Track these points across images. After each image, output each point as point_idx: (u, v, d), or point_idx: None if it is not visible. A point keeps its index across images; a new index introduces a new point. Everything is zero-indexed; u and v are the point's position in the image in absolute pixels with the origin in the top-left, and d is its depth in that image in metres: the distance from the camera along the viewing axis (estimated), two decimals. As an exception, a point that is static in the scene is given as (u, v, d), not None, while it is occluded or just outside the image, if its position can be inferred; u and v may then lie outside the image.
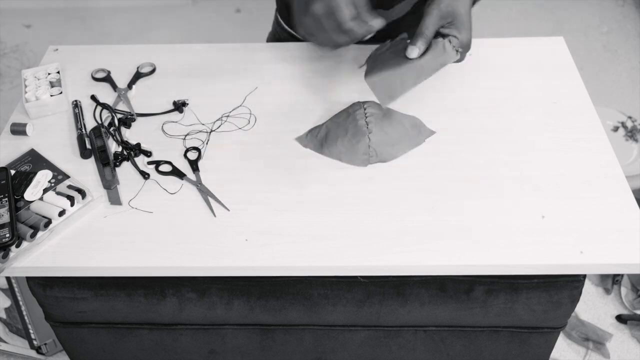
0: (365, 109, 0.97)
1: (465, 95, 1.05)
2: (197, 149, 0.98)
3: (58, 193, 0.90)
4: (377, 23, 0.87)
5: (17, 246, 0.84)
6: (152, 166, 0.96)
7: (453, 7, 0.90)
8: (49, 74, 1.10)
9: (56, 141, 1.01)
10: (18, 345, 1.53)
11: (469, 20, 0.92)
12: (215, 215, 0.88)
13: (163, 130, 1.02)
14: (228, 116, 1.04)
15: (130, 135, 1.02)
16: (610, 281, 1.68)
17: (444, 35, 0.92)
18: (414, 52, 0.90)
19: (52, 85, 1.07)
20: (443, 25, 0.91)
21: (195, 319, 0.99)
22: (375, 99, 0.96)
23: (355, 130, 0.95)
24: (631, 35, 2.57)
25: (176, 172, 0.95)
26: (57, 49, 1.19)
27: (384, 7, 1.10)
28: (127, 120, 1.03)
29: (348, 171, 0.94)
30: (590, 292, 1.67)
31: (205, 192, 0.91)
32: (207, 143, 1.00)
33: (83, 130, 1.01)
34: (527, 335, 1.01)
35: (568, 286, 0.92)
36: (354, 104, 0.99)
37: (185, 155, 0.97)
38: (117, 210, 0.90)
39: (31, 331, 1.52)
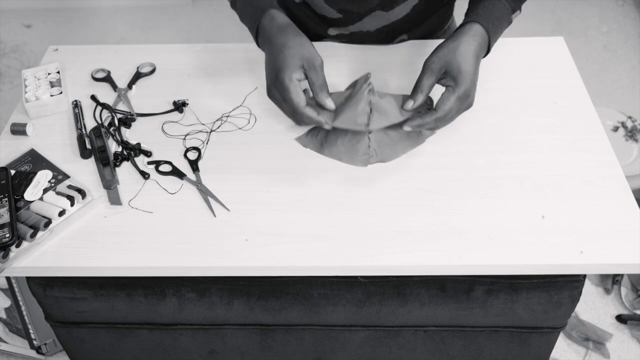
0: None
1: (465, 95, 1.05)
2: (197, 149, 0.98)
3: (58, 193, 0.90)
4: (329, 104, 0.90)
5: (17, 246, 0.84)
6: (152, 166, 0.96)
7: (447, 59, 0.90)
8: (49, 74, 1.10)
9: (56, 141, 1.01)
10: (18, 345, 1.53)
11: (470, 72, 0.89)
12: (215, 215, 0.88)
13: (163, 130, 1.02)
14: (228, 116, 1.04)
15: (130, 135, 1.02)
16: (610, 281, 1.68)
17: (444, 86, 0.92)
18: (409, 104, 0.91)
19: (52, 85, 1.07)
20: (440, 78, 0.91)
21: (195, 319, 0.99)
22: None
23: (355, 130, 0.94)
24: (631, 35, 2.57)
25: (176, 172, 0.95)
26: (57, 49, 1.19)
27: (383, 9, 1.10)
28: (127, 120, 1.03)
29: (348, 171, 0.94)
30: (590, 292, 1.67)
31: (205, 192, 0.91)
32: (207, 143, 1.00)
33: (83, 130, 1.01)
34: (527, 335, 1.01)
35: (568, 286, 0.92)
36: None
37: (185, 155, 0.97)
38: (117, 210, 0.90)
39: (31, 331, 1.52)
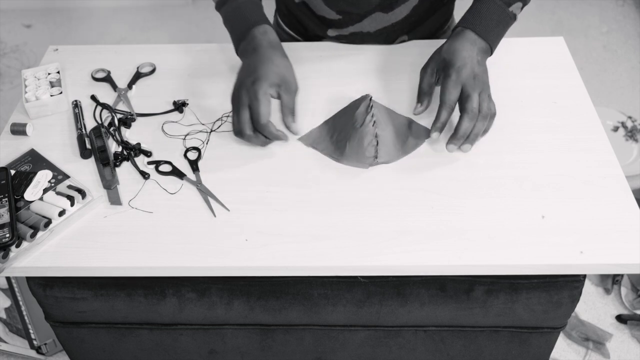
0: (369, 110, 0.96)
1: (465, 95, 1.05)
2: (197, 149, 0.98)
3: (58, 193, 0.90)
4: (294, 128, 0.95)
5: (17, 246, 0.84)
6: (152, 166, 0.96)
7: (435, 59, 0.98)
8: (49, 74, 1.10)
9: (56, 141, 1.01)
10: (18, 345, 1.53)
11: (453, 52, 0.94)
12: (215, 215, 0.88)
13: (163, 130, 1.02)
14: (228, 116, 1.04)
15: (130, 135, 1.02)
16: (610, 281, 1.68)
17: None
18: (416, 109, 0.99)
19: (52, 85, 1.07)
20: (436, 79, 0.99)
21: (195, 319, 0.99)
22: (378, 100, 0.99)
23: (361, 132, 0.94)
24: (631, 35, 2.57)
25: (176, 172, 0.95)
26: (57, 49, 1.19)
27: (383, 10, 1.10)
28: (127, 120, 1.03)
29: (348, 171, 0.94)
30: (590, 292, 1.67)
31: (205, 192, 0.91)
32: (207, 143, 1.00)
33: (83, 130, 1.01)
34: (527, 335, 1.01)
35: (568, 286, 0.92)
36: (356, 104, 0.99)
37: (185, 155, 0.97)
38: (117, 210, 0.90)
39: (31, 331, 1.52)
